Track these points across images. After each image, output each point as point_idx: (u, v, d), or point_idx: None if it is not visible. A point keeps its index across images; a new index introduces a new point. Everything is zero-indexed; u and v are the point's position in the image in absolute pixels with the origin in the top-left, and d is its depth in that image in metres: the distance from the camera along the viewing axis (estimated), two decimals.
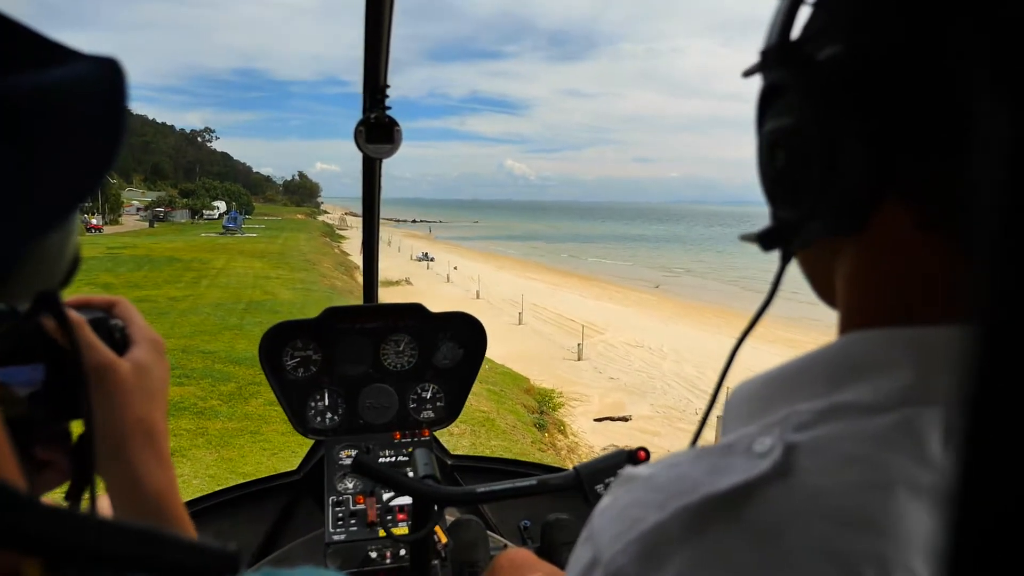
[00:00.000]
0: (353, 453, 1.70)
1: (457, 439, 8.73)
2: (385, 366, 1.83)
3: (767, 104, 0.45)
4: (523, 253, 57.13)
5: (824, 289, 0.47)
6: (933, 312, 0.39)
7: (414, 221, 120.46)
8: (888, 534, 0.33)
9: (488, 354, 2.02)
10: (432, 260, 42.83)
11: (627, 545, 0.37)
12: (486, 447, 8.61)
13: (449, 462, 2.02)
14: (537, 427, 10.61)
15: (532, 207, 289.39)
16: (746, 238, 0.48)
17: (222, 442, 8.34)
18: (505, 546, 1.69)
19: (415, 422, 1.84)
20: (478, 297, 27.22)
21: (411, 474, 1.22)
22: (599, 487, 1.17)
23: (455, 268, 37.16)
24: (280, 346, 1.77)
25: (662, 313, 25.59)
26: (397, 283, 30.31)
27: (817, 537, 0.33)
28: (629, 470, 0.42)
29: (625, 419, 12.64)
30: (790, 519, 0.34)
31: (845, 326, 0.44)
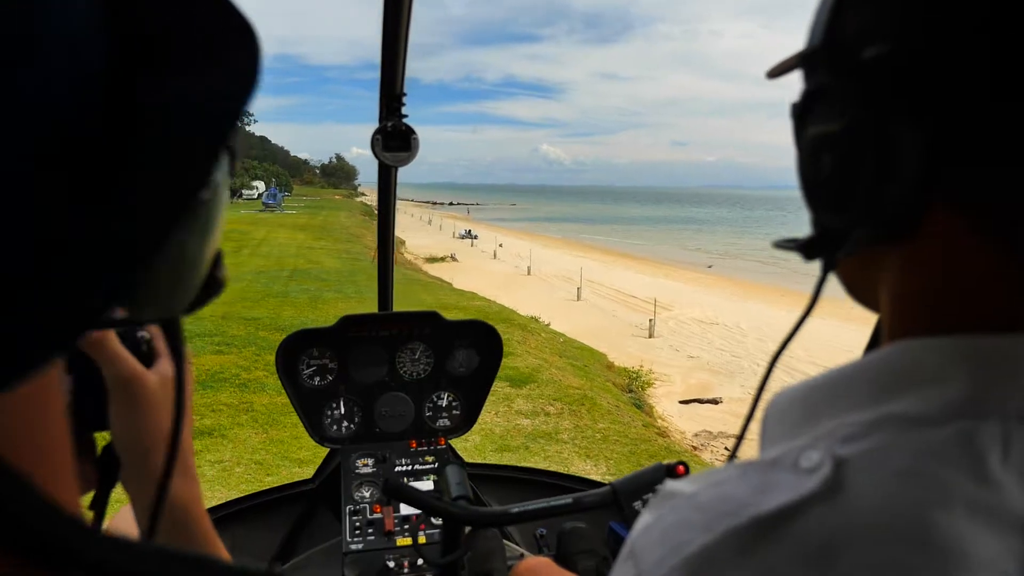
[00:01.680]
0: (370, 462, 1.73)
1: (555, 419, 7.34)
2: (401, 374, 1.84)
3: (810, 108, 0.43)
4: (564, 234, 56.44)
5: (866, 296, 0.47)
6: (989, 321, 0.38)
7: (451, 203, 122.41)
8: (948, 556, 0.32)
9: (557, 328, 1.33)
10: (475, 238, 42.52)
11: (671, 570, 0.36)
12: (594, 430, 7.18)
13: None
14: (635, 407, 9.22)
15: (567, 191, 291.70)
16: (784, 246, 0.47)
17: (270, 420, 7.04)
18: (521, 555, 1.62)
19: (431, 430, 1.84)
20: (529, 273, 26.52)
21: (417, 483, 1.53)
22: (637, 504, 1.14)
23: (500, 245, 36.79)
24: (296, 354, 1.78)
25: (724, 291, 24.69)
26: (443, 259, 29.84)
27: (873, 559, 0.32)
28: (670, 485, 0.41)
29: (715, 401, 11.51)
30: (844, 540, 0.33)
31: (892, 334, 0.42)
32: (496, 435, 6.99)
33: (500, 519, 1.17)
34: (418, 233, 45.30)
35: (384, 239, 1.96)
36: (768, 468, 0.37)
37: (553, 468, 6.53)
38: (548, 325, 13.91)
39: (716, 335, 16.60)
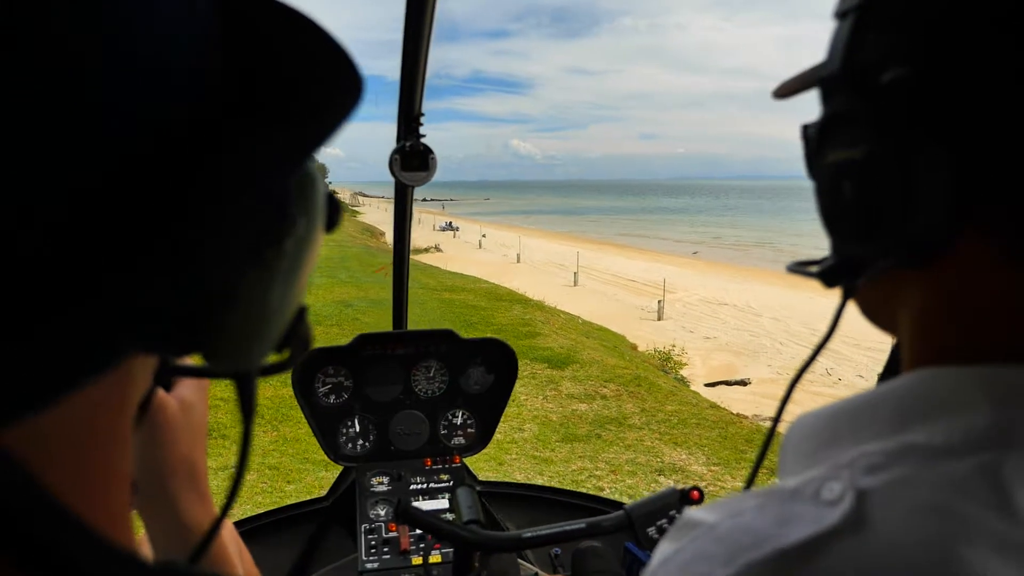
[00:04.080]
0: (385, 480, 1.74)
1: (616, 403, 6.49)
2: (416, 392, 1.84)
3: (828, 132, 0.42)
4: (542, 225, 56.42)
5: (884, 321, 0.46)
6: (1016, 350, 0.37)
7: (424, 199, 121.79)
8: None
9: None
10: (457, 229, 42.18)
11: None
12: (665, 413, 6.33)
13: (478, 488, 1.92)
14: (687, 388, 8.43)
15: (540, 186, 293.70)
16: (800, 271, 0.47)
17: (278, 415, 6.04)
18: (536, 574, 1.60)
19: (446, 448, 1.84)
20: (519, 261, 26.08)
21: (425, 503, 1.52)
22: (651, 529, 1.11)
23: (484, 236, 36.41)
24: (312, 372, 1.77)
25: (720, 274, 24.37)
26: (426, 250, 29.41)
27: None
28: (689, 514, 0.40)
29: (743, 383, 10.89)
30: (866, 575, 0.33)
31: (914, 361, 0.42)
32: (555, 423, 6.21)
33: (511, 544, 1.14)
34: None
35: (400, 257, 1.93)
36: (788, 499, 0.37)
37: (641, 459, 5.75)
38: (556, 308, 13.40)
39: (728, 315, 16.19)
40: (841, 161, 0.41)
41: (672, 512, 1.12)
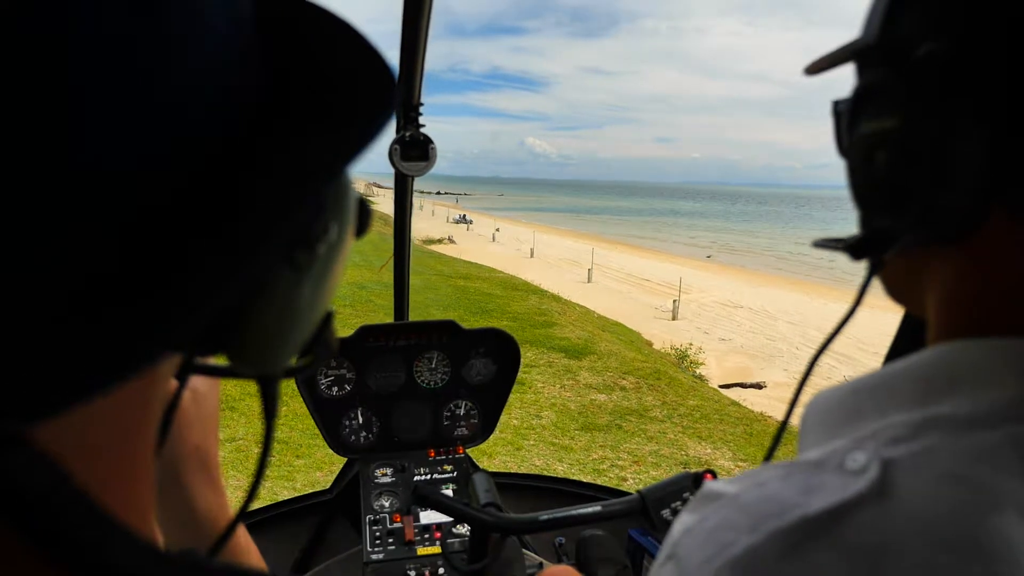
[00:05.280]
0: (388, 471, 1.75)
1: (635, 395, 6.34)
2: (418, 383, 1.85)
3: (862, 104, 0.42)
4: (555, 223, 56.22)
5: (909, 297, 0.46)
6: None
7: (439, 193, 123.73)
8: (999, 561, 0.32)
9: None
10: (471, 222, 42.12)
11: (717, 572, 0.35)
12: (686, 407, 6.18)
13: None
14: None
15: (553, 184, 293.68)
16: (828, 245, 0.46)
17: (285, 386, 5.74)
18: (540, 564, 1.61)
19: (449, 439, 1.85)
20: (532, 256, 26.00)
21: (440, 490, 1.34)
22: (665, 512, 1.14)
23: (498, 229, 36.40)
24: None
25: (735, 278, 24.28)
26: (440, 241, 29.30)
27: (922, 564, 0.32)
28: (710, 486, 0.40)
29: (759, 386, 10.74)
30: (892, 543, 0.33)
31: (940, 335, 0.42)
32: (572, 411, 6.08)
33: (530, 526, 1.15)
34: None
35: (400, 249, 1.94)
36: (812, 469, 0.37)
37: (665, 451, 5.64)
38: (572, 301, 13.24)
39: (743, 318, 16.00)
40: (874, 131, 0.40)
41: (686, 495, 1.13)
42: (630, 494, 1.20)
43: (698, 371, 10.21)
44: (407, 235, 1.93)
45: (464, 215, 45.03)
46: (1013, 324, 0.38)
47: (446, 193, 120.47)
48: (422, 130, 1.61)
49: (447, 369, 1.85)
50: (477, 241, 31.48)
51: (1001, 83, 0.35)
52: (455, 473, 1.75)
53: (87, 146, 0.21)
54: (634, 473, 5.08)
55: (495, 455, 5.27)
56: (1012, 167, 0.35)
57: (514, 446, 5.37)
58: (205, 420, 0.60)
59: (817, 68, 0.47)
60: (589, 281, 19.93)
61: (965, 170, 0.36)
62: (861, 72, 0.43)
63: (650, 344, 10.98)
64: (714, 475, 1.15)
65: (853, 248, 0.43)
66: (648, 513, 1.13)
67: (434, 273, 13.73)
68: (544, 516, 1.12)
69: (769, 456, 0.51)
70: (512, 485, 1.96)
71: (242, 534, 0.63)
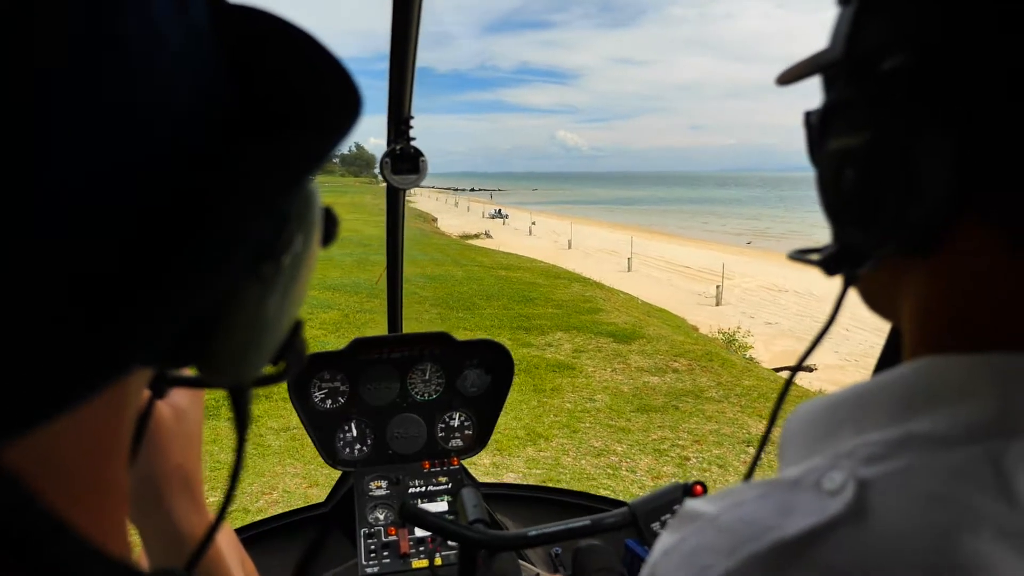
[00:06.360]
0: (383, 484, 1.75)
1: (688, 376, 6.25)
2: (412, 395, 1.85)
3: (830, 120, 0.42)
4: (590, 214, 56.10)
5: (885, 308, 0.46)
6: (1019, 338, 0.37)
7: (472, 190, 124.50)
8: None
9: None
10: (507, 217, 42.19)
11: None
12: (742, 387, 6.09)
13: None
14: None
15: (586, 177, 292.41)
16: (801, 259, 0.46)
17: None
18: (537, 575, 1.60)
19: (444, 451, 1.85)
20: (570, 247, 26.00)
21: (431, 507, 1.54)
22: (655, 525, 1.12)
23: (534, 223, 36.50)
24: (308, 378, 1.78)
25: (778, 263, 23.43)
26: (476, 236, 29.59)
27: None
28: (690, 505, 0.40)
29: (809, 369, 10.52)
30: (869, 566, 0.32)
31: (915, 350, 0.41)
32: (627, 394, 6.03)
33: (517, 542, 1.15)
34: (447, 214, 45.24)
35: (393, 260, 1.94)
36: (789, 489, 0.36)
37: (726, 431, 5.58)
38: (615, 288, 13.19)
39: (789, 302, 15.79)
40: (842, 148, 0.40)
41: (676, 507, 1.11)
42: (621, 502, 1.18)
43: (747, 354, 10.11)
44: (400, 246, 1.92)
45: (499, 210, 45.09)
46: (988, 337, 0.37)
47: (480, 190, 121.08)
48: (412, 143, 1.61)
49: (441, 380, 1.86)
50: (514, 235, 31.56)
51: (964, 94, 0.34)
52: (450, 485, 1.74)
53: (52, 166, 0.20)
54: (696, 452, 5.03)
55: (552, 438, 5.27)
56: (979, 172, 0.35)
57: (571, 428, 5.35)
58: (187, 437, 0.59)
59: (788, 78, 0.46)
60: (629, 270, 19.94)
61: (932, 181, 0.35)
62: (828, 86, 0.43)
63: (696, 329, 10.89)
64: (704, 487, 1.16)
65: (826, 264, 0.43)
66: (639, 526, 1.13)
67: (476, 265, 13.79)
68: (533, 532, 1.12)
69: (749, 475, 0.51)
70: (507, 496, 1.96)
71: (233, 548, 0.63)
